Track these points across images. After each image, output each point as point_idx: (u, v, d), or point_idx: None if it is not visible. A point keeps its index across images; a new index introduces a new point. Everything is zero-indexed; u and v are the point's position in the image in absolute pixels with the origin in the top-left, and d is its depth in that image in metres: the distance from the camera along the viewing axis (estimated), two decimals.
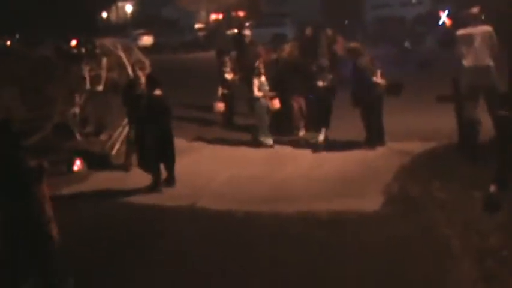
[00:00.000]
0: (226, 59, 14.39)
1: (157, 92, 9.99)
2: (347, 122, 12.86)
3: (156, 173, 10.15)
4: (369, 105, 11.82)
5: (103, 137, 13.08)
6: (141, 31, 43.79)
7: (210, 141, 13.27)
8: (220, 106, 13.98)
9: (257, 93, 12.50)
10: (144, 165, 10.31)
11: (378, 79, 11.82)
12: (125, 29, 46.49)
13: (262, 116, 12.52)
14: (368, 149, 11.68)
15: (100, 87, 11.79)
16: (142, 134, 10.18)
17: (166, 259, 7.53)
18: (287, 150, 12.33)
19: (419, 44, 26.04)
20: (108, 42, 12.43)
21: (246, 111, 15.40)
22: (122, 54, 12.15)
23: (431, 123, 12.78)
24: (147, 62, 12.90)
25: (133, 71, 11.79)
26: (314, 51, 16.65)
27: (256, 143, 12.47)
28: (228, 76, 14.19)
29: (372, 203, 8.72)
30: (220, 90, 14.04)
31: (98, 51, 12.05)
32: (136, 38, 41.43)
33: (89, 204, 9.69)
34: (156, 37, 42.76)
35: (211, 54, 19.52)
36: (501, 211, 7.60)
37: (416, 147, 11.49)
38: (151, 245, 8.01)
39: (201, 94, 17.25)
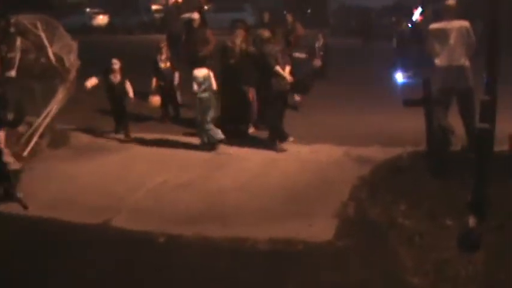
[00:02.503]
0: (162, 45, 12.65)
1: None
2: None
3: None
4: (268, 99, 10.77)
5: (21, 128, 11.27)
6: (96, 10, 41.75)
7: (143, 139, 11.55)
8: (156, 100, 12.24)
9: None
10: None
11: (282, 72, 10.66)
12: (79, 7, 44.14)
13: None
14: (273, 150, 10.54)
15: (12, 73, 10.00)
16: None
17: None
18: (231, 150, 10.73)
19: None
20: (26, 19, 10.60)
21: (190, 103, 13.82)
22: (42, 34, 10.36)
23: (397, 126, 11.35)
24: (75, 45, 11.13)
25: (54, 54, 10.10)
26: None
27: None
28: (162, 65, 12.46)
29: (322, 229, 7.15)
30: (154, 82, 12.32)
31: (12, 29, 10.23)
32: (91, 17, 39.86)
33: None
34: (111, 17, 40.78)
35: None
36: (481, 249, 6.11)
37: (378, 153, 10.07)
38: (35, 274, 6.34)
39: (147, 82, 15.47)
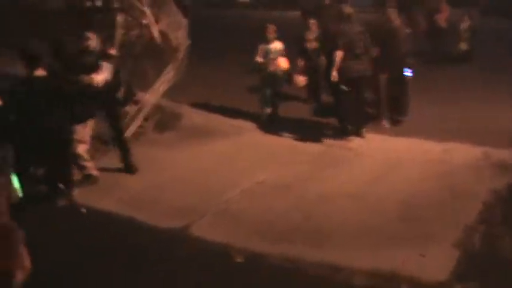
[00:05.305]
0: (311, 22, 11.38)
1: (40, 71, 6.90)
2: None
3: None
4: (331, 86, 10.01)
5: (129, 108, 10.59)
6: None
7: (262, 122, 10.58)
8: (301, 79, 11.08)
9: None
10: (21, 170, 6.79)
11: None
12: None
13: None
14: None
15: (113, 51, 9.28)
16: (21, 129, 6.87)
17: None
18: (354, 144, 9.52)
19: None
20: None
21: None
22: (146, 10, 9.57)
23: None
24: (185, 22, 10.28)
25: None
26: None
27: None
28: (309, 45, 11.23)
29: (437, 262, 5.70)
30: (299, 62, 11.13)
31: (116, 5, 9.50)
32: None
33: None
34: None
35: None
36: None
37: None
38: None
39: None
